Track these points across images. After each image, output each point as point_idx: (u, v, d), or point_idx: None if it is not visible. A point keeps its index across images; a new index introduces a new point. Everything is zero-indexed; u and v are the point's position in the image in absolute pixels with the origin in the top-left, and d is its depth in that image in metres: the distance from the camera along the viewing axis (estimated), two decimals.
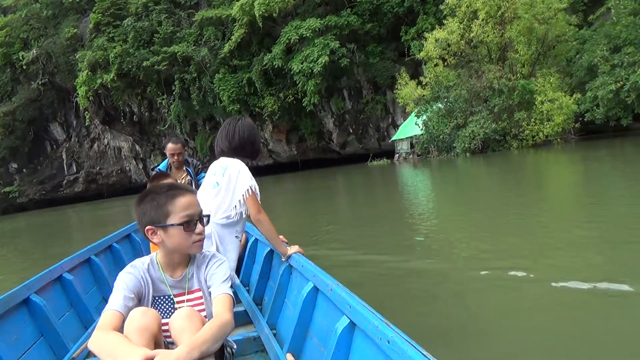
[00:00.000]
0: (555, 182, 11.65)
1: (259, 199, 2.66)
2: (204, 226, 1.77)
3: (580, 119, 25.13)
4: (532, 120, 25.10)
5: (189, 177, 4.74)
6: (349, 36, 40.34)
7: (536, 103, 24.78)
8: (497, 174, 16.26)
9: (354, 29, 40.06)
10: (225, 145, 2.80)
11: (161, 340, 1.59)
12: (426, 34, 31.44)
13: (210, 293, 1.76)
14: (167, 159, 4.78)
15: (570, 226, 6.05)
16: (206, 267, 1.80)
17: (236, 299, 3.10)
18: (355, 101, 44.26)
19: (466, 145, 26.35)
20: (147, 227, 1.73)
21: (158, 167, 4.83)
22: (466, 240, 5.97)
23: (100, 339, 1.48)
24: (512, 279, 3.98)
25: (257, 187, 2.66)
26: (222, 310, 1.65)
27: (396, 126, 42.82)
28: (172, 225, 1.70)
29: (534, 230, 5.95)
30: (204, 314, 1.77)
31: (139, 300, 1.72)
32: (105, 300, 3.31)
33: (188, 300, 1.78)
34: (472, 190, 12.35)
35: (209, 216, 1.87)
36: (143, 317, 1.54)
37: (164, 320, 1.65)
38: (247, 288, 3.56)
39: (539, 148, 24.07)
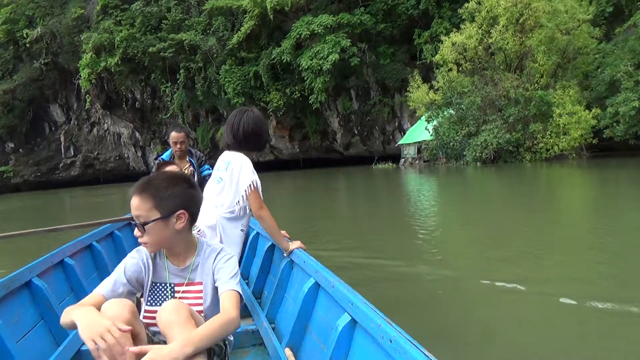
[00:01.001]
0: (571, 197, 11.20)
1: (260, 194, 2.66)
2: (141, 231, 1.69)
3: (594, 135, 24.33)
4: (548, 133, 24.26)
5: (191, 168, 4.68)
6: (361, 35, 39.64)
7: (554, 115, 23.95)
8: (511, 186, 15.54)
9: (366, 28, 39.31)
10: (230, 139, 2.78)
11: (139, 330, 1.55)
12: (442, 37, 30.59)
13: (217, 287, 1.74)
14: (170, 149, 4.72)
15: (582, 243, 5.96)
16: (214, 261, 1.78)
17: None
18: (363, 102, 43.50)
19: (477, 154, 25.51)
20: None
21: (161, 157, 4.81)
22: (473, 250, 5.89)
23: (69, 310, 1.53)
24: (517, 290, 3.96)
25: (259, 183, 2.66)
26: (228, 306, 1.62)
27: (402, 130, 42.17)
28: None
29: (542, 243, 5.84)
30: (200, 307, 1.75)
31: (141, 285, 1.77)
32: None
33: (186, 292, 1.76)
34: (483, 201, 11.80)
35: (146, 223, 1.69)
36: (115, 308, 1.51)
37: (157, 308, 1.66)
38: (247, 281, 3.59)
39: (552, 162, 23.31)
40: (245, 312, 2.89)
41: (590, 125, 23.52)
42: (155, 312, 1.65)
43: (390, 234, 7.41)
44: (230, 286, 1.69)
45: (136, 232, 1.68)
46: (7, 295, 2.21)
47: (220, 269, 1.75)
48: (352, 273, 4.75)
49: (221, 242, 2.60)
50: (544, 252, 5.32)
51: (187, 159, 4.67)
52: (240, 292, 1.72)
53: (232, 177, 2.63)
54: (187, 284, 1.76)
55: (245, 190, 2.60)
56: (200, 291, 1.76)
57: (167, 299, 1.73)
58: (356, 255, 5.74)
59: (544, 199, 10.90)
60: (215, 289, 1.74)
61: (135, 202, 1.68)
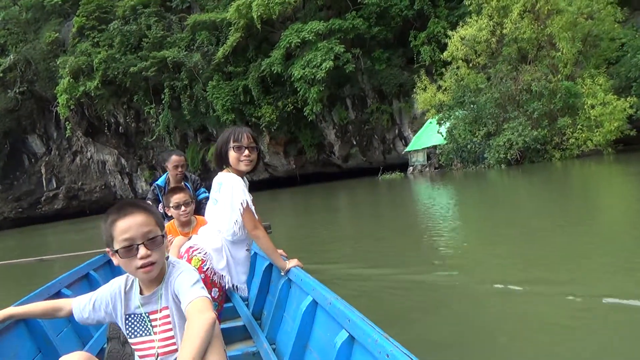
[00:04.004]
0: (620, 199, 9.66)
1: (254, 213, 2.65)
2: (150, 249, 1.60)
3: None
4: (578, 127, 21.97)
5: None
6: (354, 41, 37.50)
7: (585, 107, 21.66)
8: (548, 191, 13.18)
9: (360, 33, 37.17)
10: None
11: None
12: (449, 32, 28.41)
13: (182, 309, 1.62)
14: (165, 174, 4.74)
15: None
16: (173, 282, 1.67)
17: (235, 314, 3.37)
18: (359, 111, 41.21)
19: (501, 155, 23.08)
20: (107, 249, 1.69)
21: (156, 182, 4.81)
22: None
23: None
24: (525, 293, 3.90)
25: (250, 202, 2.63)
26: (196, 313, 1.50)
27: (403, 138, 39.95)
28: (115, 251, 1.62)
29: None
30: (171, 333, 1.68)
31: (111, 316, 1.73)
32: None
33: (161, 318, 1.69)
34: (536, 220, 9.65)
35: (162, 236, 1.65)
36: None
37: (140, 339, 1.67)
38: (247, 302, 3.53)
39: (585, 159, 21.00)
40: (245, 333, 2.93)
41: (626, 116, 21.23)
42: (139, 343, 1.66)
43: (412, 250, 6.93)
44: (193, 295, 1.56)
45: (145, 252, 1.58)
46: (4, 329, 2.16)
47: (179, 288, 1.62)
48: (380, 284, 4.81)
49: (228, 264, 2.63)
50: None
51: (183, 183, 4.55)
52: (208, 297, 1.59)
53: (225, 198, 2.62)
54: (162, 309, 1.67)
55: (239, 210, 2.58)
56: (169, 315, 1.67)
57: (146, 328, 1.67)
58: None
59: (598, 207, 9.08)
60: (181, 311, 1.61)
61: (140, 218, 1.60)
